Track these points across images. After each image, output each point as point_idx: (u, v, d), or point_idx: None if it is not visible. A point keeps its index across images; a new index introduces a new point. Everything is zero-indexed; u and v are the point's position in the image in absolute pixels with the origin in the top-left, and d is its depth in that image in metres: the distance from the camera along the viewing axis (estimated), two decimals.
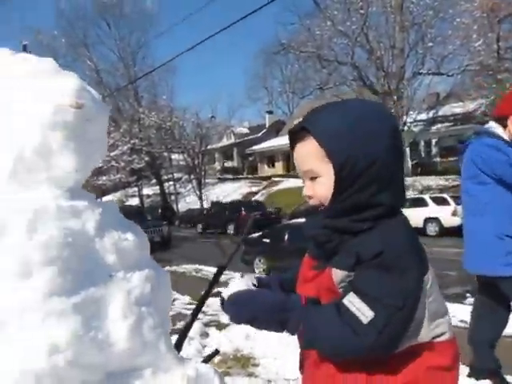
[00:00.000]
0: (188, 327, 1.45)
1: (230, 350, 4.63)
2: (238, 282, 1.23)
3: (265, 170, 43.11)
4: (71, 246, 0.96)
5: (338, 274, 1.09)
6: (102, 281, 1.00)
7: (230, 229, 21.88)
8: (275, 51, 30.95)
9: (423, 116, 28.98)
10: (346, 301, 1.04)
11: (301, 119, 1.19)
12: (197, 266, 12.07)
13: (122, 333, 0.98)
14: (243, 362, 4.31)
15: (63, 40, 39.00)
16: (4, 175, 1.00)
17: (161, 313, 1.11)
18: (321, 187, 1.14)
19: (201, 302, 1.45)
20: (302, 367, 1.27)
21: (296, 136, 1.18)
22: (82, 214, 1.04)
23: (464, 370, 4.02)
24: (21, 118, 1.01)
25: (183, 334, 1.42)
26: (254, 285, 1.26)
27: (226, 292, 1.19)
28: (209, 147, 39.96)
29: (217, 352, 1.71)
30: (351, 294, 1.04)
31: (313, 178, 1.16)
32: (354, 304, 1.02)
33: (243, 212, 21.70)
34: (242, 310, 1.15)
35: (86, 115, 1.05)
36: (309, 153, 1.14)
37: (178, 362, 1.09)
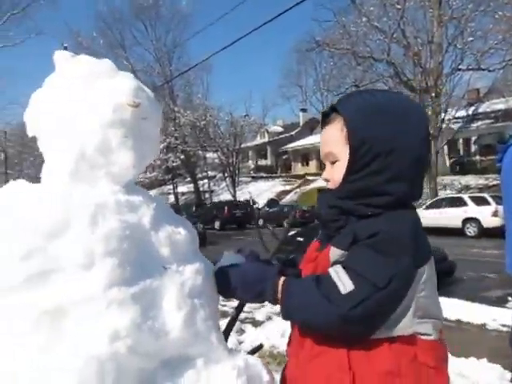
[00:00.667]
0: (233, 321, 1.48)
1: (266, 347, 4.67)
2: (229, 256, 1.27)
3: (298, 168, 43.00)
4: (129, 239, 1.01)
5: (334, 253, 1.10)
6: (158, 273, 1.05)
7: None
8: (309, 48, 30.76)
9: (462, 113, 28.20)
10: (331, 269, 1.06)
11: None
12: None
13: (177, 323, 1.02)
14: (279, 360, 4.33)
15: (101, 41, 40.06)
16: (67, 172, 1.06)
17: (211, 305, 1.14)
18: (338, 171, 1.15)
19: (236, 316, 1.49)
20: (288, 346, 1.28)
21: (326, 120, 1.20)
22: (138, 208, 1.09)
23: (507, 374, 3.91)
24: (82, 116, 1.07)
25: (229, 328, 1.45)
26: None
27: (216, 266, 1.24)
28: (243, 145, 40.20)
29: (261, 346, 1.74)
30: (338, 265, 1.05)
31: (332, 162, 1.18)
32: (338, 273, 1.03)
33: (225, 211, 26.55)
34: (225, 282, 1.17)
35: (142, 114, 1.10)
36: (332, 135, 1.16)
37: (229, 353, 1.12)
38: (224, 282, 1.18)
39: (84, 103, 1.08)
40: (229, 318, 1.51)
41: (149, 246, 1.07)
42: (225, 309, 5.16)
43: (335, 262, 1.09)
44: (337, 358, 1.07)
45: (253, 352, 1.60)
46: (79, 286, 0.94)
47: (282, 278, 1.12)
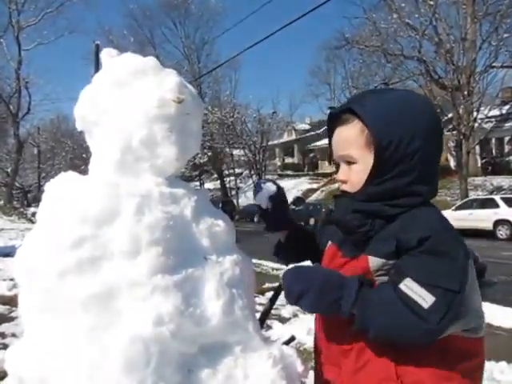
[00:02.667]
0: (267, 312, 1.52)
1: (292, 343, 4.69)
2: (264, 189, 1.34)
3: (326, 166, 42.71)
4: (172, 229, 1.05)
5: (374, 262, 1.08)
6: (199, 262, 1.09)
7: None
8: (338, 46, 30.54)
9: (495, 112, 27.44)
10: (402, 286, 1.02)
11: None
12: (256, 260, 12.24)
13: (216, 311, 1.06)
14: (305, 356, 4.35)
15: (132, 39, 40.72)
16: (114, 164, 1.11)
17: (248, 296, 1.18)
18: (356, 173, 1.14)
19: (278, 290, 1.52)
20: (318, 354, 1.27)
21: (338, 118, 1.18)
22: (181, 200, 1.13)
23: None
24: (129, 111, 1.12)
25: (263, 319, 1.49)
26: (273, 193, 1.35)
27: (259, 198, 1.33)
28: (270, 143, 40.24)
29: (293, 338, 1.78)
30: (407, 279, 1.02)
31: (349, 163, 1.15)
32: (412, 289, 1.01)
33: None
34: (297, 279, 1.08)
35: (185, 109, 1.14)
36: (350, 137, 1.13)
37: (265, 342, 1.15)
38: (293, 283, 1.09)
39: (130, 99, 1.13)
40: (261, 311, 1.55)
41: (190, 236, 1.11)
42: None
43: (377, 271, 1.09)
44: (384, 368, 1.08)
45: (286, 343, 1.62)
46: (126, 271, 0.99)
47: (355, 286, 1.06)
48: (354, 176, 1.15)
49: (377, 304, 1.03)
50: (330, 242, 1.28)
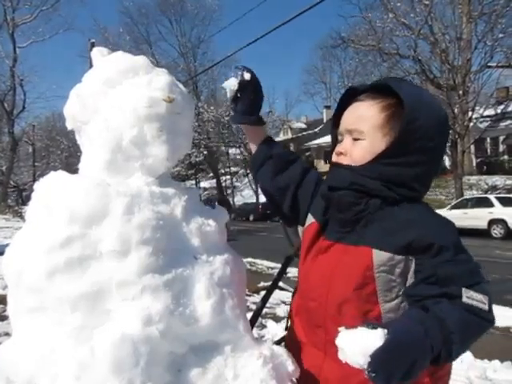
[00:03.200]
0: (259, 311, 1.52)
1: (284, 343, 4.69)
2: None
3: (321, 165, 42.75)
4: (162, 229, 1.05)
5: (380, 256, 1.07)
6: (189, 262, 1.09)
7: None
8: (334, 45, 30.54)
9: (491, 111, 27.55)
10: (465, 299, 1.02)
11: None
12: (250, 259, 12.24)
13: (206, 310, 1.06)
14: None
15: (127, 37, 40.60)
16: (104, 163, 1.11)
17: (239, 295, 1.18)
18: (361, 150, 1.12)
19: (273, 286, 1.52)
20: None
21: (358, 97, 1.18)
22: (171, 199, 1.13)
23: None
24: (119, 110, 1.12)
25: (254, 318, 1.49)
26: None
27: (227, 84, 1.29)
28: None
29: (285, 338, 1.77)
30: (464, 290, 1.02)
31: (356, 139, 1.14)
32: (473, 298, 1.03)
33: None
34: (397, 364, 0.88)
35: (176, 108, 1.14)
36: (368, 114, 1.13)
37: (255, 342, 1.15)
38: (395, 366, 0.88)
39: (121, 98, 1.13)
40: (253, 310, 1.55)
41: (180, 236, 1.11)
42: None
43: (381, 266, 1.07)
44: None
45: (277, 343, 1.63)
46: (115, 271, 0.99)
47: (435, 321, 1.00)
48: (358, 152, 1.13)
49: (457, 330, 0.98)
50: (312, 219, 1.26)
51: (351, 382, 1.12)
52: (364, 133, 1.12)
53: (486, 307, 1.03)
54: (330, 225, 1.20)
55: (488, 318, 1.04)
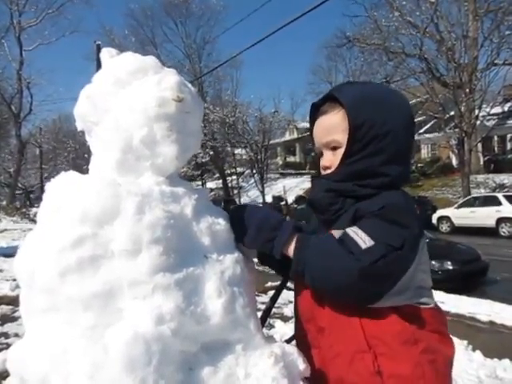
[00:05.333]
0: (268, 311, 1.51)
1: (294, 342, 4.68)
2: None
3: None
4: (173, 228, 1.05)
5: (336, 234, 1.11)
6: (199, 261, 1.09)
7: None
8: (340, 44, 30.49)
9: (498, 109, 27.38)
10: (348, 229, 1.08)
11: None
12: (257, 259, 12.18)
13: (217, 309, 1.06)
14: None
15: (133, 39, 40.74)
16: (114, 163, 1.11)
17: (249, 294, 1.18)
18: (338, 159, 1.19)
19: (281, 285, 1.52)
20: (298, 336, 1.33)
21: (319, 111, 1.25)
22: (181, 199, 1.13)
23: None
24: (129, 110, 1.12)
25: (264, 318, 1.49)
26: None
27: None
28: (271, 142, 40.20)
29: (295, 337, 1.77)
30: (354, 227, 1.08)
31: (334, 149, 1.21)
32: (357, 233, 1.06)
33: None
34: (240, 217, 1.19)
35: (185, 108, 1.14)
36: (334, 123, 1.20)
37: (266, 340, 1.15)
38: (239, 219, 1.19)
39: (130, 98, 1.13)
40: (262, 310, 1.54)
41: (191, 235, 1.11)
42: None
43: None
44: (355, 341, 1.13)
45: (288, 341, 1.62)
46: (127, 270, 0.99)
47: (297, 234, 1.14)
48: (338, 160, 1.20)
49: (314, 246, 1.09)
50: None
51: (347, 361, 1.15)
52: (339, 141, 1.19)
53: (363, 245, 1.03)
54: (319, 231, 1.25)
55: (357, 255, 1.02)
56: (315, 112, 1.28)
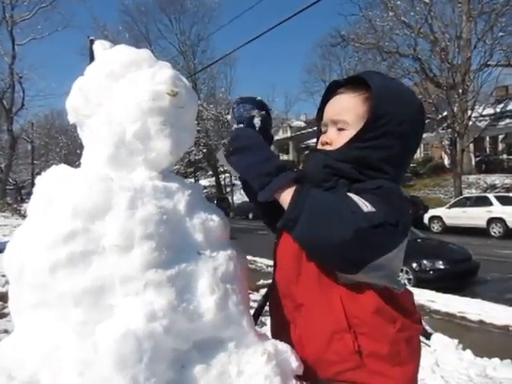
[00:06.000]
0: (260, 308, 1.50)
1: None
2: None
3: None
4: (166, 224, 1.04)
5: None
6: (192, 257, 1.07)
7: None
8: (334, 43, 30.49)
9: (490, 110, 27.57)
10: (350, 193, 1.06)
11: None
12: (251, 257, 12.21)
13: (210, 306, 1.04)
14: None
15: (127, 35, 40.50)
16: (107, 157, 1.09)
17: (242, 291, 1.17)
18: (345, 139, 1.18)
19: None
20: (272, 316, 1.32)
21: (340, 89, 1.23)
22: (174, 194, 1.12)
23: None
24: (122, 104, 1.10)
25: (256, 315, 1.48)
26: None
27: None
28: None
29: None
30: (355, 194, 1.06)
31: (340, 129, 1.20)
32: (359, 198, 1.03)
33: None
34: (242, 137, 1.13)
35: (179, 102, 1.12)
36: (351, 104, 1.19)
37: (259, 338, 1.14)
38: (239, 139, 1.13)
39: (124, 91, 1.11)
40: (254, 308, 1.53)
41: (184, 231, 1.10)
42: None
43: None
44: (335, 320, 1.13)
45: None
46: (118, 266, 0.98)
47: (292, 174, 1.08)
48: (342, 141, 1.18)
49: (314, 196, 1.02)
50: None
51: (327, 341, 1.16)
52: (348, 123, 1.18)
53: (364, 208, 0.99)
54: None
55: (358, 215, 0.97)
56: (333, 90, 1.27)
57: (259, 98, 1.34)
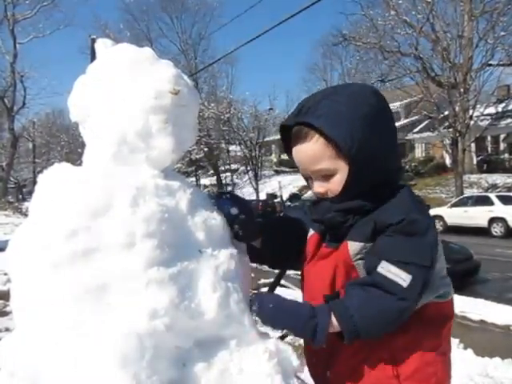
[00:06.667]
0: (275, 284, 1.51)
1: (288, 339, 4.69)
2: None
3: None
4: (168, 222, 1.04)
5: (354, 247, 1.11)
6: (194, 255, 1.08)
7: None
8: (335, 42, 30.42)
9: (491, 110, 27.48)
10: (380, 269, 1.06)
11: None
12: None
13: (212, 304, 1.05)
14: (301, 351, 4.35)
15: (128, 33, 40.47)
16: (109, 155, 1.09)
17: (244, 289, 1.17)
18: (337, 184, 1.13)
19: (276, 281, 1.51)
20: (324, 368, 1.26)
21: (295, 132, 1.14)
22: (176, 192, 1.12)
23: None
24: (124, 102, 1.10)
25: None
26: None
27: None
28: (266, 139, 40.06)
29: (288, 334, 1.76)
30: (383, 262, 1.06)
31: (326, 176, 1.14)
32: (390, 270, 1.05)
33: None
34: (273, 318, 1.11)
35: (181, 101, 1.12)
36: (318, 152, 1.11)
37: (260, 337, 1.14)
38: (271, 318, 1.11)
39: (126, 89, 1.11)
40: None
41: (185, 229, 1.10)
42: None
43: (357, 255, 1.11)
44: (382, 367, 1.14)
45: (281, 338, 1.62)
46: (120, 264, 0.98)
47: (326, 306, 1.10)
48: (335, 187, 1.14)
49: (355, 310, 1.06)
50: (311, 231, 1.29)
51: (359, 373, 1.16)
52: (329, 168, 1.13)
53: (403, 283, 1.03)
54: (329, 234, 1.23)
55: (401, 295, 1.03)
56: (287, 131, 1.19)
57: (237, 195, 1.31)
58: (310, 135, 1.12)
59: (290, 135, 1.18)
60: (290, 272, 1.52)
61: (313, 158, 1.13)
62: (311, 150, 1.13)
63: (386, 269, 1.05)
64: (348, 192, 1.13)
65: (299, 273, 1.36)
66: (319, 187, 1.18)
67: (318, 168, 1.14)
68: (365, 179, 1.11)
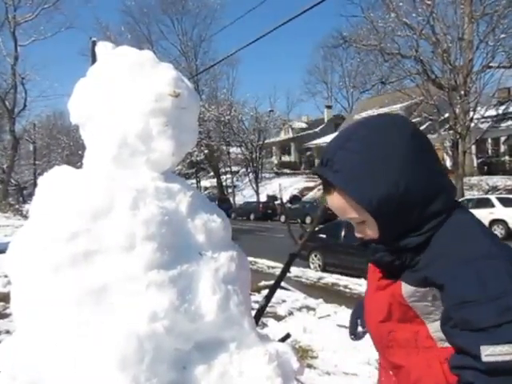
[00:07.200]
0: (262, 309, 1.51)
1: (288, 341, 4.68)
2: None
3: None
4: (168, 225, 1.04)
5: (407, 289, 1.08)
6: (194, 258, 1.08)
7: None
8: (336, 44, 30.43)
9: (492, 112, 27.44)
10: (485, 358, 0.92)
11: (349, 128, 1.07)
12: (252, 258, 12.18)
13: (212, 307, 1.05)
14: (301, 354, 4.34)
15: (129, 36, 40.51)
16: (110, 157, 1.10)
17: (243, 292, 1.17)
18: (371, 230, 1.11)
19: (276, 284, 1.51)
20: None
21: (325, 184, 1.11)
22: (176, 195, 1.12)
23: None
24: (125, 105, 1.11)
25: (258, 316, 1.48)
26: None
27: None
28: (267, 141, 40.04)
29: (288, 336, 1.77)
30: (482, 348, 0.92)
31: (360, 223, 1.12)
32: (495, 353, 0.92)
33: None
34: None
35: (181, 103, 1.13)
36: (342, 205, 1.10)
37: (260, 339, 1.14)
38: None
39: (127, 92, 1.12)
40: (256, 309, 1.54)
41: (185, 232, 1.10)
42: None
43: (410, 297, 1.07)
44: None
45: (281, 341, 1.62)
46: (121, 266, 0.98)
47: None
48: (370, 232, 1.12)
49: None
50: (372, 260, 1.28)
51: None
52: (358, 217, 1.10)
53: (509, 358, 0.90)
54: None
55: None
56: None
57: None
58: (332, 189, 1.10)
59: None
60: (290, 274, 1.51)
61: (339, 209, 1.12)
62: (336, 203, 1.12)
63: (489, 353, 0.93)
64: (385, 237, 1.09)
65: (299, 275, 1.35)
66: (358, 233, 1.17)
67: (348, 217, 1.13)
68: (397, 226, 1.06)
